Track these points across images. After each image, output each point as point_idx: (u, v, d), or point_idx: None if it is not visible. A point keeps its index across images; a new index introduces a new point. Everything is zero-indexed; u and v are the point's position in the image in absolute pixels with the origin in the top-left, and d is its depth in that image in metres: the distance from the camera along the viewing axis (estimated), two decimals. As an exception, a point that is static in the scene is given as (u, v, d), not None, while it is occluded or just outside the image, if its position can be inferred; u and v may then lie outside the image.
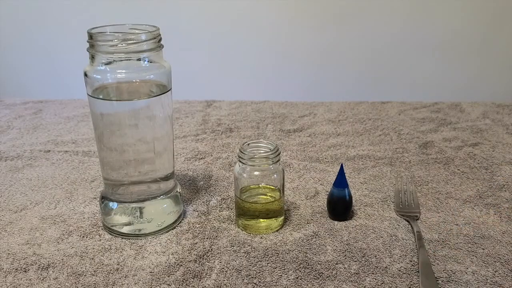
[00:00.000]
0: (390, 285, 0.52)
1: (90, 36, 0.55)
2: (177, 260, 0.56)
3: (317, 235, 0.60)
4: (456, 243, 0.59)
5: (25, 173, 0.78)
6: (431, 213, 0.65)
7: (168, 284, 0.52)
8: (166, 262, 0.56)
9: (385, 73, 1.24)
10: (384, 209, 0.66)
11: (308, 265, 0.55)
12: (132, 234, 0.60)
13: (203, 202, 0.69)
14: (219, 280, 0.53)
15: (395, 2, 1.18)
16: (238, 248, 0.58)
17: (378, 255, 0.56)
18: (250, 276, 0.53)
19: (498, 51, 1.21)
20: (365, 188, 0.72)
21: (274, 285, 0.52)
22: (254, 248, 0.58)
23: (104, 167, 0.61)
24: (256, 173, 0.60)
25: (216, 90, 1.28)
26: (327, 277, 0.53)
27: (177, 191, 0.64)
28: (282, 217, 0.62)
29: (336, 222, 0.63)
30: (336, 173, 0.66)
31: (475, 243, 0.58)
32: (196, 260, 0.56)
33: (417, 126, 0.96)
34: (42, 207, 0.68)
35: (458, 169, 0.78)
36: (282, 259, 0.56)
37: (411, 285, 0.52)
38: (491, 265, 0.54)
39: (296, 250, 0.57)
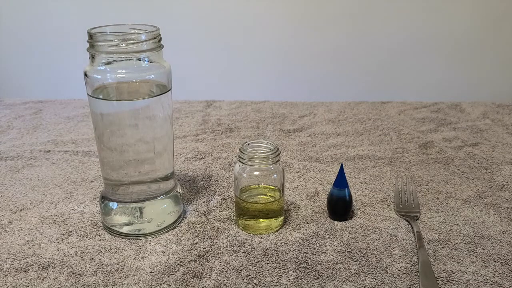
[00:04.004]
0: (390, 285, 0.52)
1: (90, 36, 0.55)
2: (177, 260, 0.56)
3: (317, 235, 0.60)
4: (456, 243, 0.59)
5: (25, 173, 0.78)
6: (431, 213, 0.65)
7: (168, 284, 0.52)
8: (166, 262, 0.56)
9: (385, 73, 1.24)
10: (384, 209, 0.66)
11: (308, 265, 0.55)
12: (132, 234, 0.60)
13: (203, 202, 0.69)
14: (219, 280, 0.53)
15: (395, 2, 1.17)
16: (238, 248, 0.58)
17: (378, 255, 0.56)
18: (250, 276, 0.53)
19: (498, 51, 1.21)
20: (365, 188, 0.72)
21: (274, 285, 0.52)
22: (254, 248, 0.58)
23: (104, 167, 0.61)
24: (256, 173, 0.60)
25: (216, 90, 1.28)
26: (327, 277, 0.53)
27: (177, 191, 0.64)
28: (282, 217, 0.62)
29: (336, 222, 0.63)
30: (336, 173, 0.66)
31: (475, 243, 0.58)
32: (196, 260, 0.56)
33: (417, 126, 0.96)
34: (42, 207, 0.68)
35: (458, 169, 0.78)
36: (282, 259, 0.56)
37: (411, 285, 0.52)
38: (491, 265, 0.54)
39: (296, 250, 0.57)
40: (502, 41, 1.21)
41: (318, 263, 0.55)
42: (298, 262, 0.55)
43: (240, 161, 0.59)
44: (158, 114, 0.58)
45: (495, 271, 0.54)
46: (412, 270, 0.54)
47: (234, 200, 0.64)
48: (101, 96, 0.56)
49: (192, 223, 0.63)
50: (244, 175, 0.60)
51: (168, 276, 0.53)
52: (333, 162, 0.81)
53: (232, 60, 1.26)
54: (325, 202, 0.67)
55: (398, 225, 0.62)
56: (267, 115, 1.03)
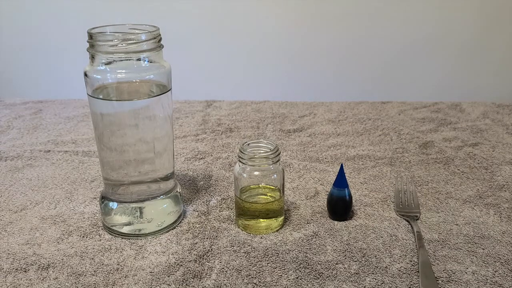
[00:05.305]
0: (390, 285, 0.52)
1: (90, 36, 0.55)
2: (177, 260, 0.56)
3: (317, 235, 0.60)
4: (456, 243, 0.59)
5: (25, 173, 0.78)
6: (431, 213, 0.65)
7: (168, 284, 0.52)
8: (166, 262, 0.56)
9: (385, 73, 1.24)
10: (384, 209, 0.66)
11: (308, 265, 0.55)
12: (132, 234, 0.60)
13: (203, 202, 0.69)
14: (219, 280, 0.53)
15: (395, 3, 1.17)
16: (238, 248, 0.58)
17: (378, 255, 0.56)
18: (250, 276, 0.53)
19: (498, 51, 1.21)
20: (365, 188, 0.72)
21: (274, 285, 0.52)
22: (254, 248, 0.58)
23: (104, 167, 0.61)
24: (256, 173, 0.60)
25: (216, 90, 1.28)
26: (327, 277, 0.53)
27: (177, 191, 0.64)
28: (282, 217, 0.62)
29: (336, 222, 0.63)
30: (336, 173, 0.66)
31: (475, 243, 0.58)
32: (196, 260, 0.56)
33: (417, 126, 0.96)
34: (42, 207, 0.68)
35: (458, 169, 0.78)
36: (282, 259, 0.56)
37: (411, 285, 0.52)
38: (491, 265, 0.54)
39: (296, 250, 0.57)
40: (502, 41, 1.21)
41: (318, 263, 0.55)
42: (298, 262, 0.55)
43: (240, 161, 0.59)
44: (158, 114, 0.58)
45: (495, 271, 0.54)
46: (412, 270, 0.54)
47: (234, 200, 0.64)
48: (101, 96, 0.56)
49: (192, 223, 0.63)
50: (244, 175, 0.60)
51: (168, 276, 0.53)
52: (333, 162, 0.81)
53: (232, 60, 1.26)
54: (325, 202, 0.67)
55: (398, 225, 0.62)
56: (267, 115, 1.03)
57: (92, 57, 0.56)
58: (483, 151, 0.84)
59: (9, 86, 1.31)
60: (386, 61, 1.24)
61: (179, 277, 0.53)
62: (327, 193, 0.68)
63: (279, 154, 0.59)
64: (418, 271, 0.53)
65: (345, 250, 0.57)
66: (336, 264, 0.55)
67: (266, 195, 0.62)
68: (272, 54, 1.25)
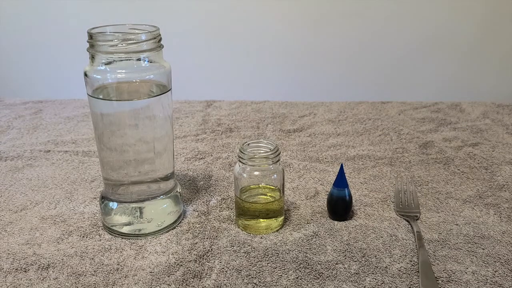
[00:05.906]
0: (390, 285, 0.52)
1: (90, 36, 0.55)
2: (177, 260, 0.56)
3: (317, 235, 0.60)
4: (456, 243, 0.59)
5: (25, 173, 0.78)
6: (431, 213, 0.65)
7: (168, 284, 0.52)
8: (166, 262, 0.56)
9: (385, 73, 1.24)
10: (384, 209, 0.66)
11: (308, 265, 0.55)
12: (132, 234, 0.60)
13: (203, 202, 0.69)
14: (219, 280, 0.53)
15: (395, 3, 1.17)
16: (238, 248, 0.58)
17: (378, 255, 0.56)
18: (250, 276, 0.53)
19: (499, 51, 1.21)
20: (365, 188, 0.72)
21: (274, 285, 0.52)
22: (254, 248, 0.58)
23: (104, 167, 0.61)
24: (256, 173, 0.60)
25: (216, 90, 1.28)
26: (327, 277, 0.53)
27: (177, 191, 0.64)
28: (282, 217, 0.62)
29: (336, 222, 0.63)
30: (336, 173, 0.66)
31: (475, 243, 0.58)
32: (196, 260, 0.56)
33: (417, 126, 0.96)
34: (42, 207, 0.68)
35: (458, 169, 0.78)
36: (282, 259, 0.56)
37: (411, 285, 0.52)
38: (491, 265, 0.54)
39: (296, 250, 0.57)
40: (502, 41, 1.21)
41: (318, 263, 0.55)
42: (298, 262, 0.55)
43: (240, 161, 0.59)
44: (158, 114, 0.58)
45: (495, 271, 0.54)
46: (412, 270, 0.54)
47: (234, 200, 0.64)
48: (101, 96, 0.56)
49: (192, 223, 0.63)
50: (244, 175, 0.60)
51: (168, 276, 0.53)
52: (333, 162, 0.81)
53: (232, 60, 1.27)
54: (325, 202, 0.67)
55: (398, 225, 0.62)
56: (267, 115, 1.03)
57: (92, 57, 0.56)
58: (483, 151, 0.84)
59: (9, 86, 1.31)
60: (386, 61, 1.24)
61: (179, 277, 0.53)
62: (327, 193, 0.68)
63: (279, 154, 0.59)
64: (418, 271, 0.53)
65: (345, 250, 0.57)
66: (336, 264, 0.55)
67: (266, 195, 0.62)
68: (272, 54, 1.25)
